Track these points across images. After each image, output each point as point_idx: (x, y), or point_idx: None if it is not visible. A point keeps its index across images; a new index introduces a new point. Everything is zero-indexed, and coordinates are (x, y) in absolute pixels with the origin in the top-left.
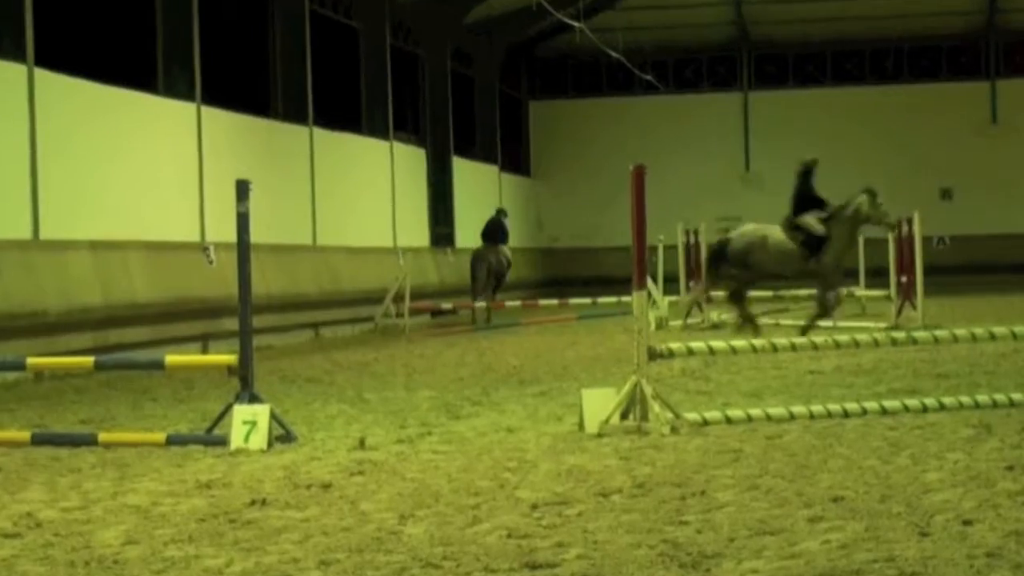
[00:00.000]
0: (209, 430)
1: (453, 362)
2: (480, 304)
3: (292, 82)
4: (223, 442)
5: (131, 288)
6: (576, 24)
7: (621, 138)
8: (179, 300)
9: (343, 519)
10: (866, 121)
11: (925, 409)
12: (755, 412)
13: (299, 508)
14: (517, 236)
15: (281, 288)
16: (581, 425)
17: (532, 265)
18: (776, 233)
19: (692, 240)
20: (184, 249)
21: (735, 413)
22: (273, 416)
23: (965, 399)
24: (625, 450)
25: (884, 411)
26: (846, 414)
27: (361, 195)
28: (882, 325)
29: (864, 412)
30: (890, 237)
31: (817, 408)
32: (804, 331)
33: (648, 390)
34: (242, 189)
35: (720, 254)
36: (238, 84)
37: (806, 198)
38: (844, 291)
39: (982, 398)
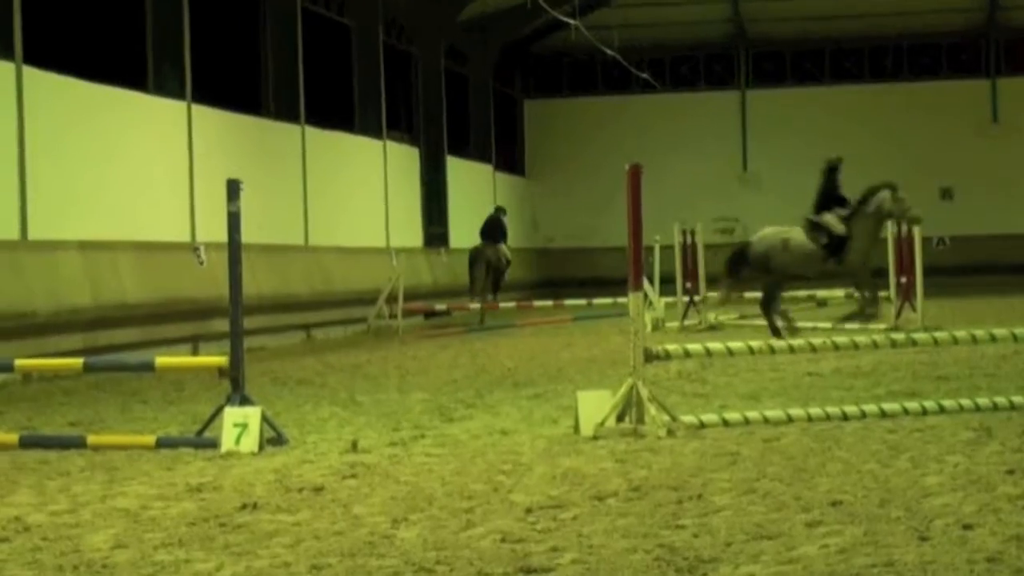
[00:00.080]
0: (199, 433)
1: (447, 364)
2: (474, 305)
3: (284, 80)
4: (214, 445)
5: (121, 289)
6: (571, 22)
7: (617, 137)
8: (169, 301)
9: (335, 523)
10: (865, 120)
11: (925, 412)
12: (752, 415)
13: (291, 512)
14: (512, 236)
15: (272, 289)
16: (576, 428)
17: (527, 266)
18: (797, 235)
19: (689, 240)
20: (174, 249)
21: (732, 416)
22: (264, 418)
23: (965, 402)
24: (621, 453)
25: (883, 414)
26: (845, 417)
27: (354, 195)
28: (881, 326)
29: (863, 415)
30: (889, 237)
31: (815, 411)
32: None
33: (644, 392)
34: (233, 188)
35: (740, 257)
36: (229, 82)
37: (828, 197)
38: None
39: (982, 401)
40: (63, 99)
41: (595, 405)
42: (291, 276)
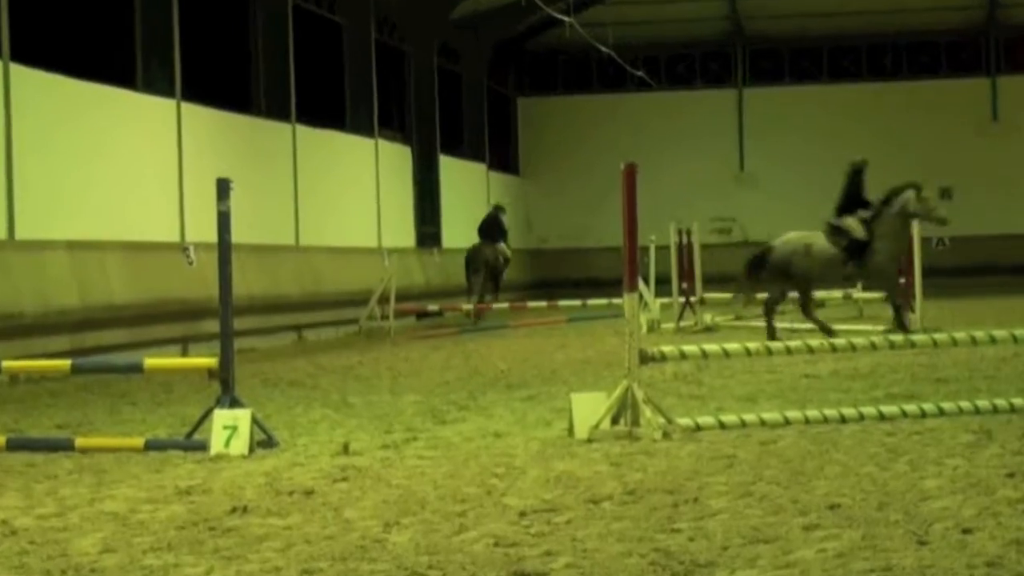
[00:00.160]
0: (189, 435)
1: (439, 365)
2: (467, 306)
3: (274, 78)
4: (203, 447)
5: (109, 289)
6: (566, 19)
7: (612, 136)
8: (158, 302)
9: (326, 527)
10: (863, 119)
11: (924, 414)
12: (749, 417)
13: (281, 515)
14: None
15: (263, 289)
16: (570, 430)
17: (521, 266)
18: (819, 240)
19: (685, 241)
20: (163, 249)
21: (729, 418)
22: (255, 421)
23: (965, 404)
24: (616, 456)
25: (882, 416)
26: (843, 419)
27: (345, 194)
28: (880, 328)
29: (861, 417)
30: None
31: (813, 413)
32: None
33: (639, 394)
34: (223, 188)
35: (760, 261)
36: (219, 80)
37: (851, 199)
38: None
39: (982, 403)
40: (51, 97)
41: (589, 407)
42: (282, 276)
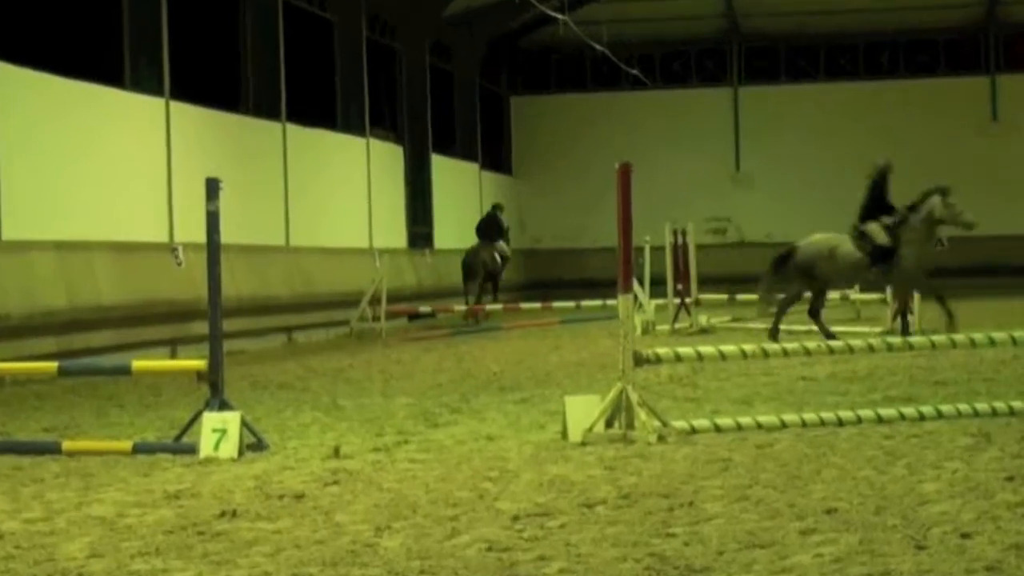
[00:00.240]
0: (177, 438)
1: (431, 368)
2: (459, 307)
3: (264, 76)
4: (192, 451)
5: (97, 290)
6: (560, 16)
7: (606, 135)
8: (146, 303)
9: (317, 531)
10: (861, 118)
11: (922, 417)
12: (745, 420)
13: (271, 519)
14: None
15: (252, 290)
16: (564, 433)
17: (514, 267)
18: (845, 243)
19: (680, 241)
20: (152, 250)
21: (724, 421)
22: (244, 424)
23: (963, 407)
24: (610, 459)
25: (879, 419)
26: (840, 422)
27: (336, 194)
28: (877, 330)
29: (859, 420)
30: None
31: (810, 416)
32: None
33: (634, 397)
34: (212, 187)
35: (784, 261)
36: (208, 78)
37: (875, 204)
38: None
39: (981, 406)
40: (38, 95)
41: (583, 410)
42: (272, 277)
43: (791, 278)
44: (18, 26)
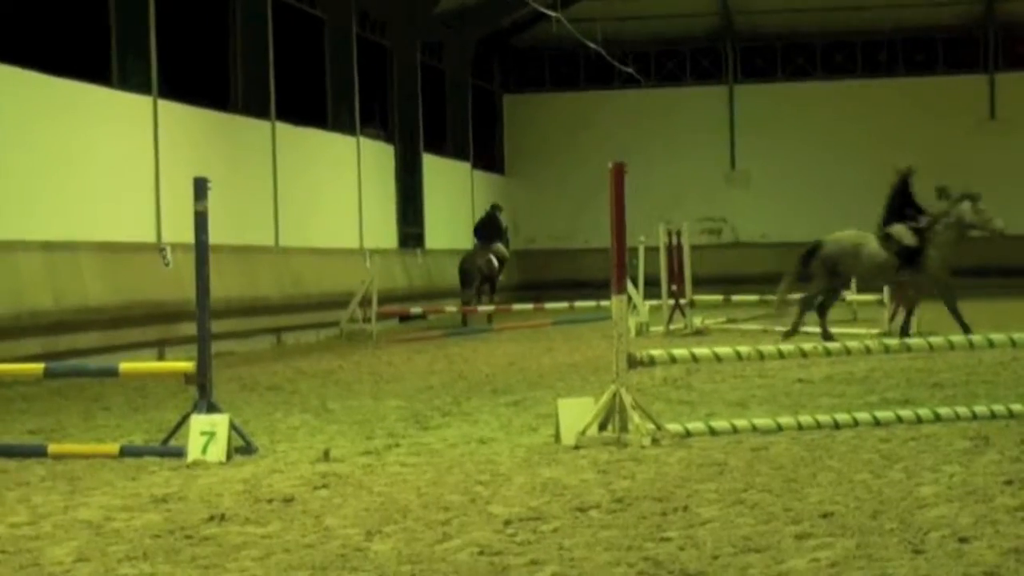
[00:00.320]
0: (165, 441)
1: (422, 370)
2: (451, 308)
3: (253, 74)
4: (180, 454)
5: (83, 291)
6: (553, 14)
7: (600, 134)
8: (134, 304)
9: (306, 535)
10: (858, 116)
11: (920, 420)
12: (740, 423)
13: (260, 523)
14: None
15: (241, 291)
16: (557, 436)
17: (507, 267)
18: (871, 242)
19: (675, 241)
20: (139, 250)
21: (719, 424)
22: (232, 426)
23: (962, 410)
24: (603, 463)
25: (876, 422)
26: (836, 425)
27: (326, 193)
28: (874, 331)
29: (855, 423)
30: None
31: (806, 419)
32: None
33: (628, 400)
34: (200, 187)
35: (811, 255)
36: (197, 76)
37: (902, 207)
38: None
39: (980, 409)
40: (23, 94)
41: (576, 413)
42: (261, 278)
43: (816, 273)
44: (3, 24)
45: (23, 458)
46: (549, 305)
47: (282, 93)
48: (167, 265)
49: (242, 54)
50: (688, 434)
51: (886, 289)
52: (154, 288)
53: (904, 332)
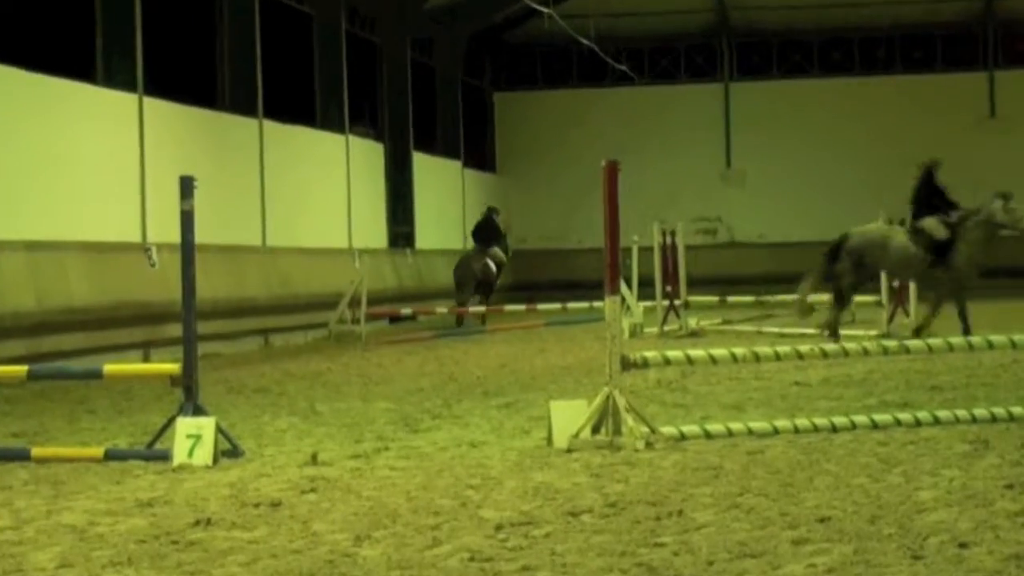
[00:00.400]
0: (150, 444)
1: (412, 372)
2: (441, 309)
3: (241, 71)
4: (165, 457)
5: (67, 292)
6: (545, 10)
7: (593, 132)
8: (119, 305)
9: (294, 540)
10: (855, 115)
11: (918, 423)
12: (736, 426)
13: (246, 528)
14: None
15: (228, 292)
16: (549, 440)
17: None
18: (899, 235)
19: (669, 241)
20: (124, 250)
21: (714, 427)
22: (219, 429)
23: (961, 413)
24: (596, 466)
25: (875, 425)
26: (834, 428)
27: (314, 192)
28: (873, 333)
29: (853, 426)
30: None
31: (802, 422)
32: (918, 332)
33: (621, 402)
34: (186, 186)
35: (837, 249)
36: (183, 73)
37: (932, 200)
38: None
39: (979, 412)
40: (6, 91)
41: (569, 416)
42: (248, 278)
43: (843, 269)
44: None
45: (6, 462)
46: (541, 306)
47: (270, 90)
48: (153, 265)
49: (229, 50)
50: (683, 437)
51: (884, 290)
52: (139, 289)
53: (917, 332)
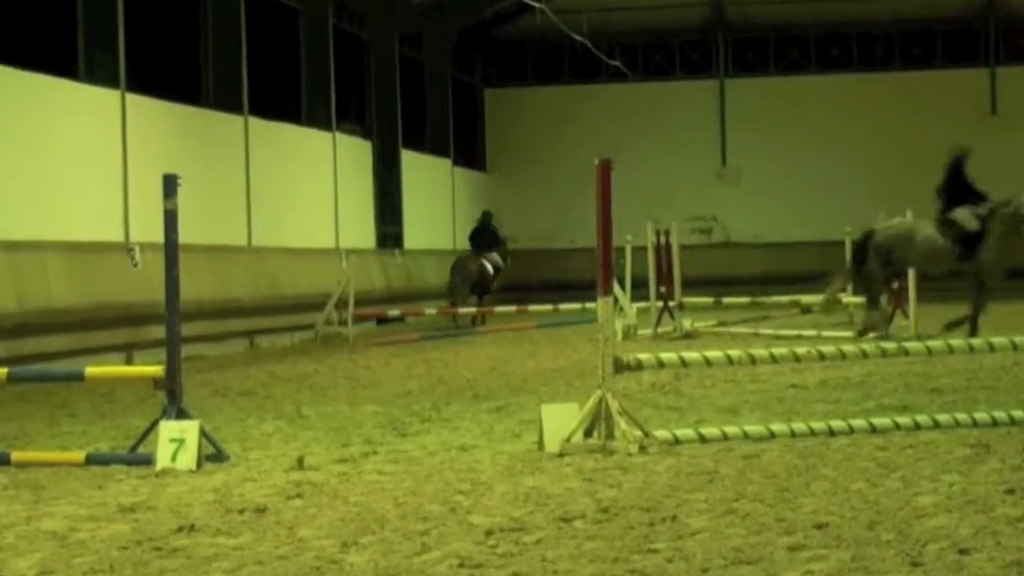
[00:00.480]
0: (133, 448)
1: (401, 374)
2: (430, 311)
3: (225, 67)
4: (148, 462)
5: (48, 292)
6: (536, 4)
7: (586, 130)
8: (101, 306)
9: (279, 546)
10: (854, 112)
11: (918, 427)
12: (731, 430)
13: (231, 534)
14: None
15: (213, 293)
16: (541, 444)
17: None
18: (925, 228)
19: (663, 241)
20: (106, 250)
21: (709, 431)
22: (203, 433)
23: (961, 416)
24: (589, 471)
25: (873, 429)
26: (831, 432)
27: (301, 191)
28: (871, 335)
29: (851, 430)
30: None
31: (799, 426)
32: (950, 328)
33: (614, 405)
34: (170, 184)
35: (863, 248)
36: (166, 69)
37: (961, 191)
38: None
39: (980, 415)
40: None
41: (561, 419)
42: (233, 279)
43: (871, 267)
44: None
45: None
46: (533, 307)
47: (255, 87)
48: (135, 265)
49: (214, 45)
50: (677, 441)
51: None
52: (122, 289)
53: (972, 331)
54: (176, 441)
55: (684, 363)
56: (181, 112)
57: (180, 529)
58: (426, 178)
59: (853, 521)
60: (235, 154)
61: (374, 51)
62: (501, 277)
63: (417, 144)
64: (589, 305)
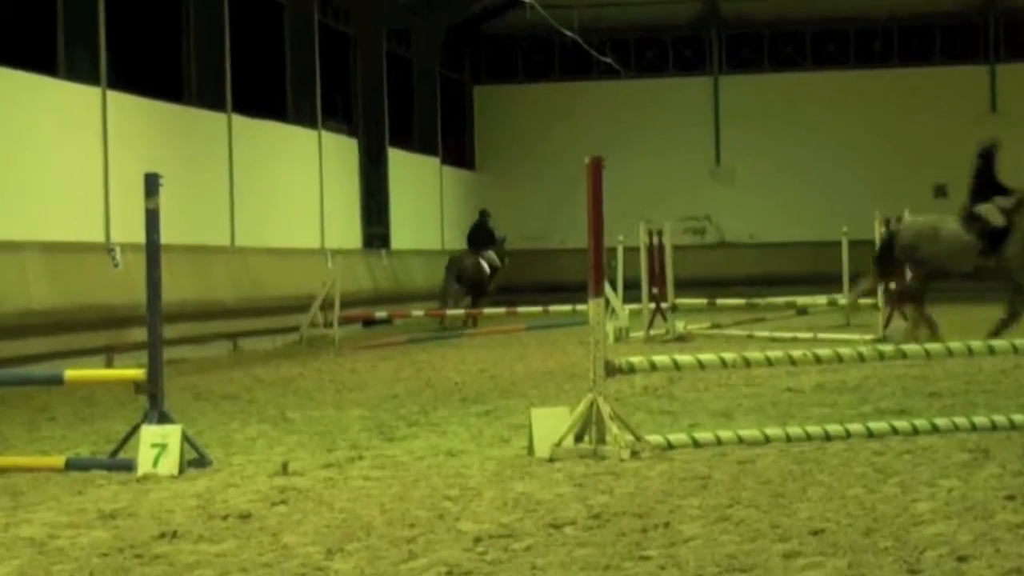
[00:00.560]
0: (114, 453)
1: (387, 377)
2: (417, 312)
3: (208, 63)
4: (129, 467)
5: (27, 294)
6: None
7: (576, 127)
8: (81, 308)
9: (263, 554)
10: (851, 109)
11: (916, 431)
12: (725, 434)
13: (214, 541)
14: (460, 237)
15: (195, 294)
16: (530, 448)
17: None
18: (950, 224)
19: (656, 241)
20: (86, 250)
21: (703, 435)
22: (185, 438)
23: (960, 420)
24: (579, 476)
25: (870, 434)
26: (828, 437)
27: (285, 190)
28: (868, 337)
29: (848, 435)
30: (877, 238)
31: (795, 430)
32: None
33: (605, 409)
34: (151, 183)
35: (888, 250)
36: (148, 65)
37: (986, 185)
38: (870, 301)
39: (979, 419)
40: None
41: (551, 423)
42: (216, 280)
43: (897, 267)
44: None
45: None
46: (522, 309)
47: (239, 84)
48: (116, 266)
49: (196, 42)
50: (670, 446)
51: (880, 292)
52: (102, 291)
53: (1010, 314)
54: (158, 446)
55: (677, 366)
56: (163, 110)
57: (162, 536)
58: (414, 177)
59: (850, 528)
60: (218, 152)
61: (361, 47)
62: (497, 277)
63: (404, 142)
64: (580, 307)
